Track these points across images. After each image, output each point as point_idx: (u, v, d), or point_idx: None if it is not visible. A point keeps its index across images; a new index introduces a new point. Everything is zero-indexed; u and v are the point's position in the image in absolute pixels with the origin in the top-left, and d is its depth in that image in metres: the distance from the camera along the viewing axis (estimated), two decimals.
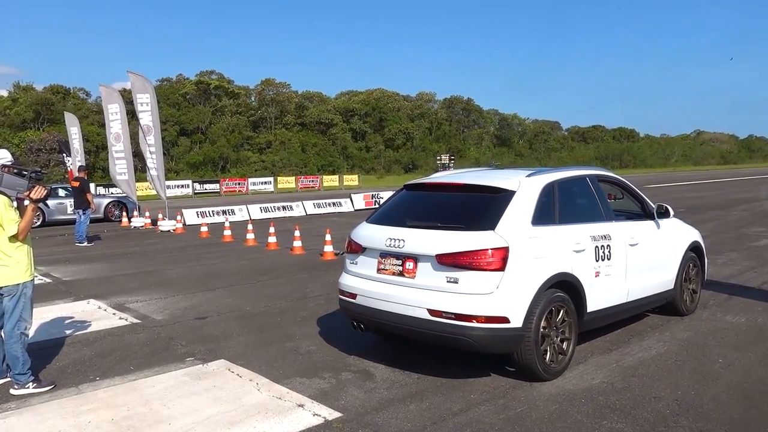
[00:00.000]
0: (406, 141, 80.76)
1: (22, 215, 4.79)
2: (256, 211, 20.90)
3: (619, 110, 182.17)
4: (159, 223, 17.71)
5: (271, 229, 13.48)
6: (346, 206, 22.94)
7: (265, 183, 45.37)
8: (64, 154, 26.95)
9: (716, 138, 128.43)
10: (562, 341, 4.97)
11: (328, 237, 11.66)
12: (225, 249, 13.36)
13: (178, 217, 17.83)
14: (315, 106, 79.61)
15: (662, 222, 6.38)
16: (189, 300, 8.20)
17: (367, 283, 5.19)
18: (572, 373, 5.00)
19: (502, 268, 4.51)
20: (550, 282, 4.77)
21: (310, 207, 22.29)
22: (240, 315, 7.29)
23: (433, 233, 4.85)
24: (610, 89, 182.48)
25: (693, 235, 6.92)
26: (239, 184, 44.18)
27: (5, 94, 66.50)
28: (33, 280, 4.98)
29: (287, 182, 46.40)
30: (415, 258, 4.84)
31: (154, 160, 17.61)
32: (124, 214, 19.82)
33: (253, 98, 77.83)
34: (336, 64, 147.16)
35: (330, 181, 49.00)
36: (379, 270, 5.11)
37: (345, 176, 51.58)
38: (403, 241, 4.91)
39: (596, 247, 5.32)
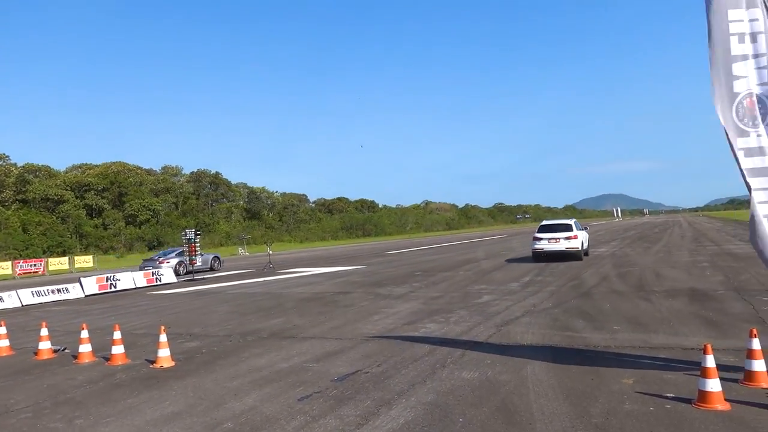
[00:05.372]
0: (151, 217, 75.87)
1: None
2: None
3: (360, 183, 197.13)
4: None
5: None
6: (74, 292, 20.04)
7: None
8: None
9: (441, 207, 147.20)
10: None
11: (44, 331, 9.86)
12: None
13: None
14: (40, 180, 70.80)
15: None
16: None
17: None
18: None
19: None
20: None
21: (27, 296, 18.88)
22: None
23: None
24: (351, 164, 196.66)
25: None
26: None
27: None
28: None
29: (2, 268, 39.51)
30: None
31: None
32: None
33: None
34: (67, 136, 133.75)
35: (58, 264, 42.92)
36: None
37: (77, 257, 45.78)
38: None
39: None
